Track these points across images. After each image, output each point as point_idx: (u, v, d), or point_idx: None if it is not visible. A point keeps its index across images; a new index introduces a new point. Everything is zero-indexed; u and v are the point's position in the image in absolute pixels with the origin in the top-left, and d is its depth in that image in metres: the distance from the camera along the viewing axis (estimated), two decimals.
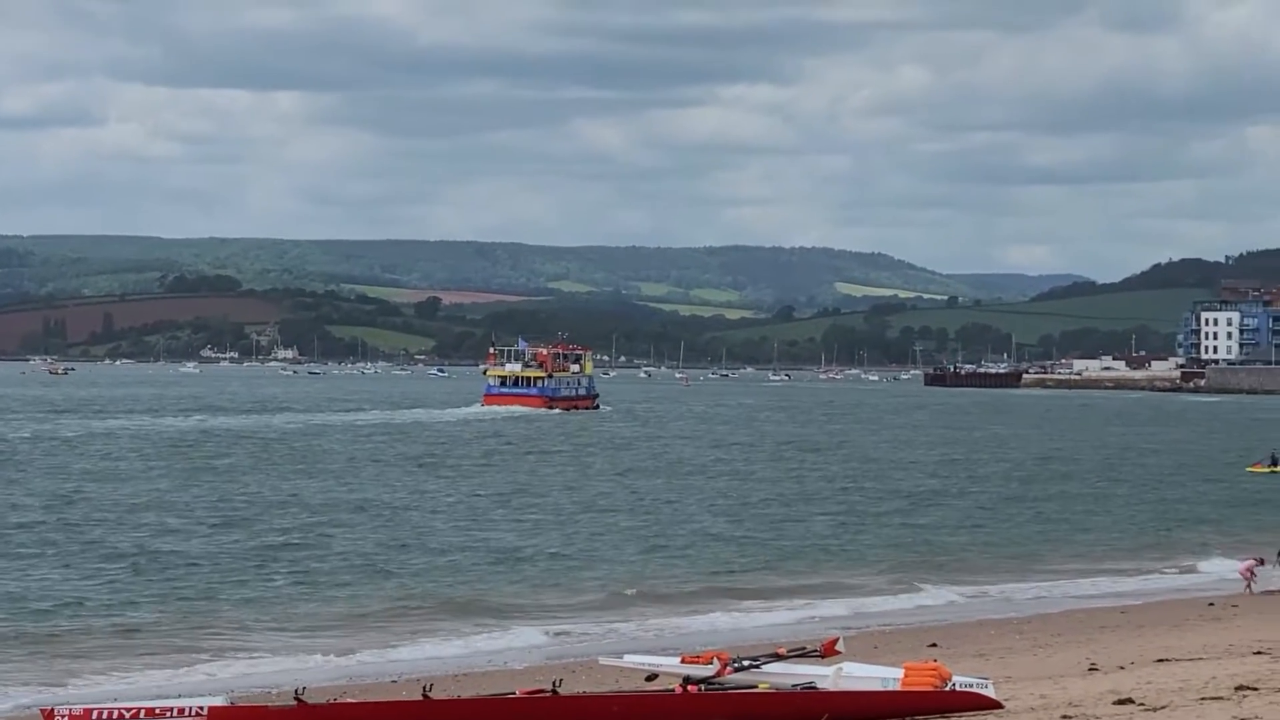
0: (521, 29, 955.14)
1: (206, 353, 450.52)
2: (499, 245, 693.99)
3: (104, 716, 16.55)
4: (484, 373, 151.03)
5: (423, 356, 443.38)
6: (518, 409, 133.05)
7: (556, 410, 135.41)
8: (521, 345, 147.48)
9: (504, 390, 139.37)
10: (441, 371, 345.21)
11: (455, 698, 18.15)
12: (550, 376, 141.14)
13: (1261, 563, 35.84)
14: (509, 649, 28.66)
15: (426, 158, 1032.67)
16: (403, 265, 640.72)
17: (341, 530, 45.46)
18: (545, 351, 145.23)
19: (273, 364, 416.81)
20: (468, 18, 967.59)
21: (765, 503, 56.74)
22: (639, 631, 30.47)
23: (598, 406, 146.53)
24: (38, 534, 42.92)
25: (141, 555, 38.97)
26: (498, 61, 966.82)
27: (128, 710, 16.59)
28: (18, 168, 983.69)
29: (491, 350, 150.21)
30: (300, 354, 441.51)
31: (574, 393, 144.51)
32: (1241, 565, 35.86)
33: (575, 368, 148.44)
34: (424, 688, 17.34)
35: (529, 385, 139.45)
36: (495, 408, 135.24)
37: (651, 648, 25.58)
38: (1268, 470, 73.85)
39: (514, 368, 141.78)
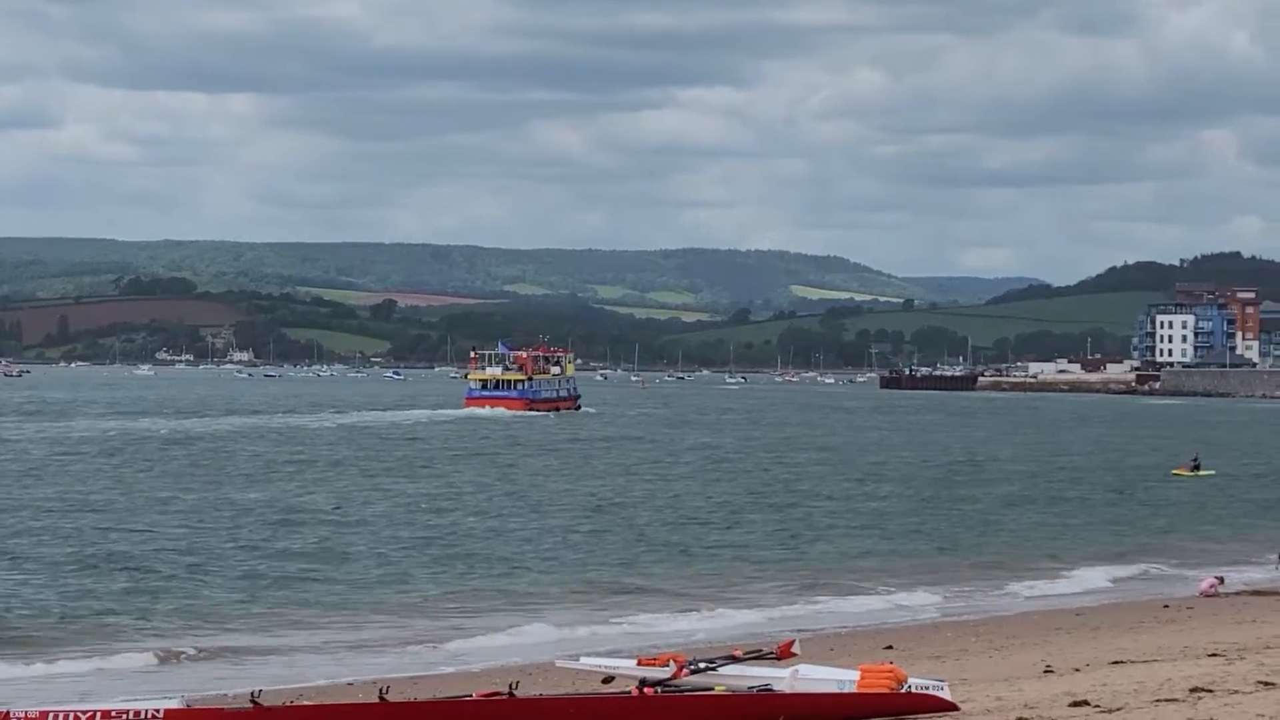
0: (479, 31, 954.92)
1: (162, 355, 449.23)
2: (455, 248, 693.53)
3: (60, 719, 16.48)
4: (465, 376, 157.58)
5: (379, 359, 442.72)
6: (499, 411, 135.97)
7: (536, 412, 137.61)
8: (502, 349, 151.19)
9: (485, 393, 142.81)
10: (398, 374, 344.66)
11: (412, 700, 18.14)
12: (530, 379, 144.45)
13: (1222, 581, 35.98)
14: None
15: (383, 160, 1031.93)
16: (358, 268, 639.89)
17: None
18: (525, 355, 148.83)
19: (228, 366, 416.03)
20: (425, 20, 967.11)
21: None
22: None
23: (579, 408, 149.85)
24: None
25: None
26: (455, 64, 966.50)
27: (84, 713, 16.52)
28: None
29: (473, 354, 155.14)
30: (256, 356, 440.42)
31: (555, 395, 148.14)
32: (1204, 584, 35.91)
33: (556, 370, 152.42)
34: (380, 690, 17.33)
35: (510, 388, 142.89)
36: (477, 410, 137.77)
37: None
38: (1190, 474, 74.50)
39: (495, 371, 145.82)
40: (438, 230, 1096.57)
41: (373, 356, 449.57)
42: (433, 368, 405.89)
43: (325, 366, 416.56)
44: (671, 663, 17.96)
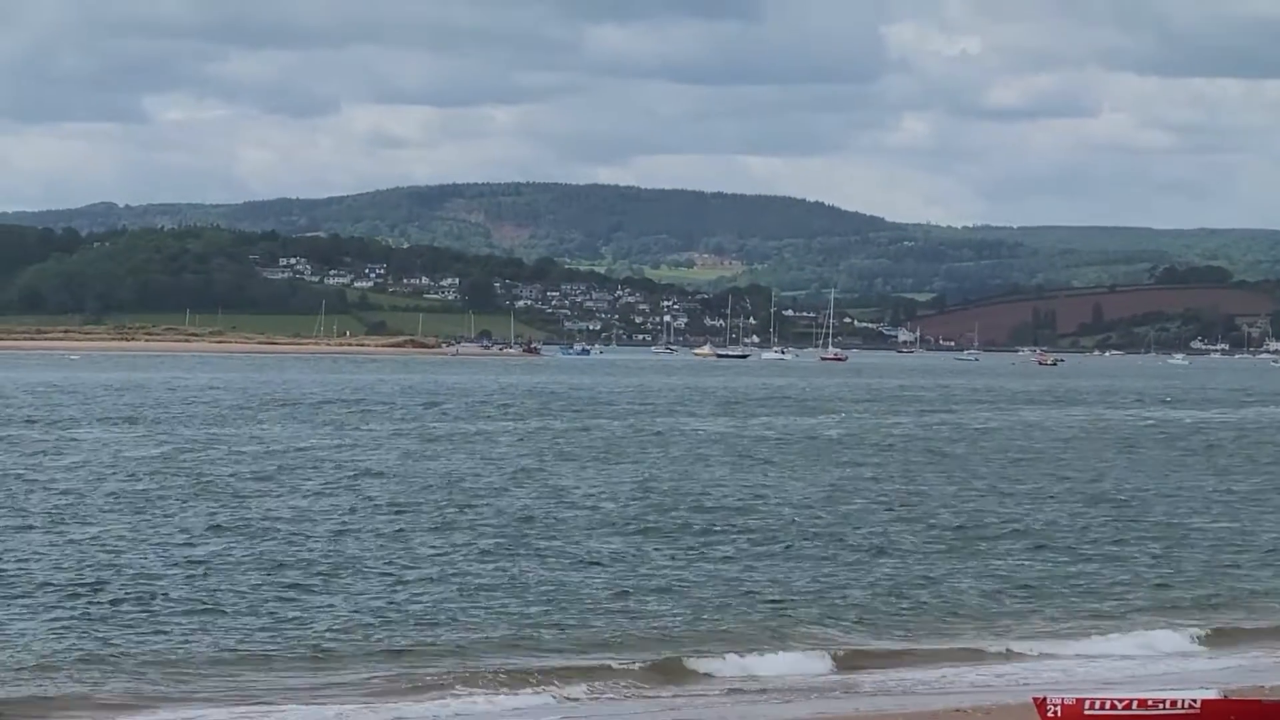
0: None
1: (1196, 344, 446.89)
2: None
3: (1096, 705, 17.13)
4: None
5: None
6: None
7: None
8: None
9: None
10: None
11: None
12: None
13: None
14: None
15: None
16: None
17: None
18: None
19: (1263, 355, 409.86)
20: None
21: None
22: None
23: None
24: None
25: None
26: None
27: (1120, 701, 17.07)
28: (1010, 160, 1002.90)
29: None
30: None
31: None
32: None
33: None
34: None
35: None
36: None
37: None
38: None
39: None
40: None
41: None
42: None
43: None
44: None
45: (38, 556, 33.46)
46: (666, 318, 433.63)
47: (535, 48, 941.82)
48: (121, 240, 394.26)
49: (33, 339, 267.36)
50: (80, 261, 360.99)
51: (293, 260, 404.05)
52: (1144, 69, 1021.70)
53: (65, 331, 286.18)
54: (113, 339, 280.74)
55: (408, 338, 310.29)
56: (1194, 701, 16.98)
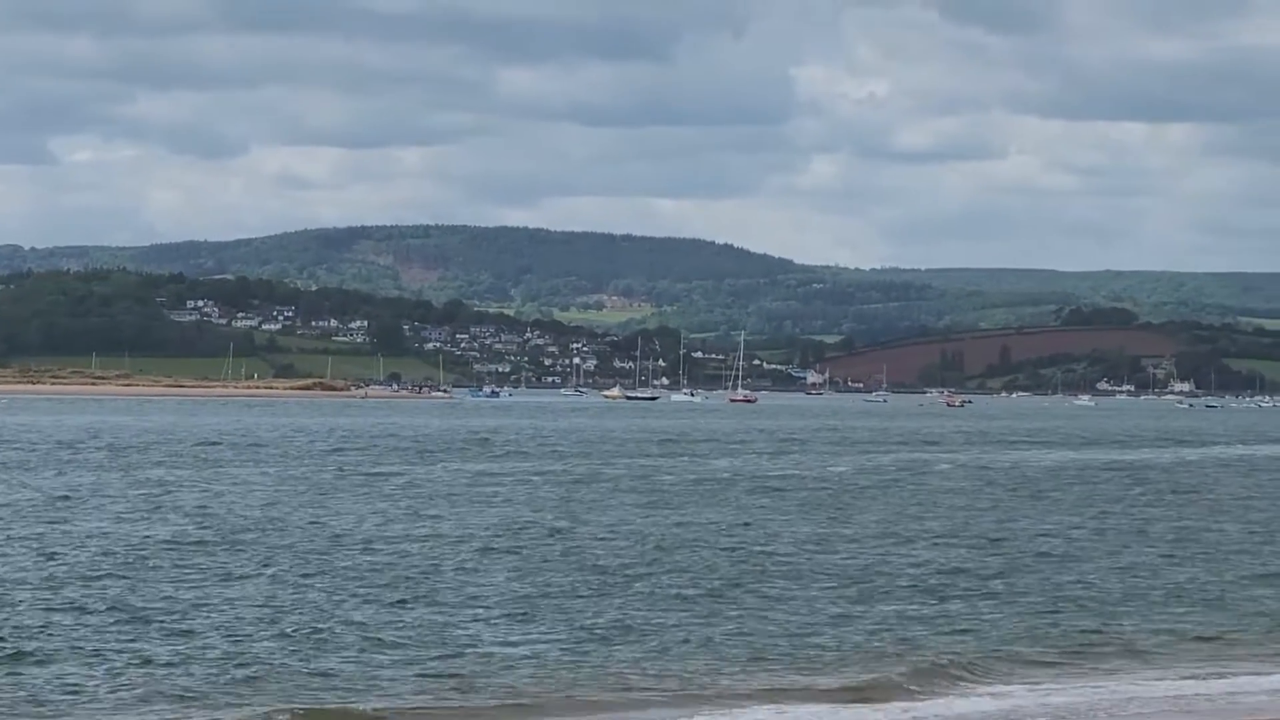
0: None
1: (1102, 385, 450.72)
2: None
3: None
4: None
5: None
6: None
7: None
8: None
9: None
10: None
11: None
12: None
13: None
14: None
15: None
16: None
17: None
18: None
19: (1168, 397, 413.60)
20: None
21: None
22: None
23: None
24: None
25: None
26: None
27: None
28: (917, 202, 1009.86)
29: None
30: (1197, 387, 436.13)
31: None
32: None
33: None
34: None
35: None
36: None
37: None
38: None
39: None
40: None
41: None
42: None
43: (1267, 397, 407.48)
44: None
45: None
46: (576, 360, 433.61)
47: (445, 89, 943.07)
48: (27, 283, 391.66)
49: None
50: None
51: (200, 303, 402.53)
52: (1049, 112, 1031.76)
53: None
54: (18, 382, 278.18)
55: (316, 380, 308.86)
56: None
